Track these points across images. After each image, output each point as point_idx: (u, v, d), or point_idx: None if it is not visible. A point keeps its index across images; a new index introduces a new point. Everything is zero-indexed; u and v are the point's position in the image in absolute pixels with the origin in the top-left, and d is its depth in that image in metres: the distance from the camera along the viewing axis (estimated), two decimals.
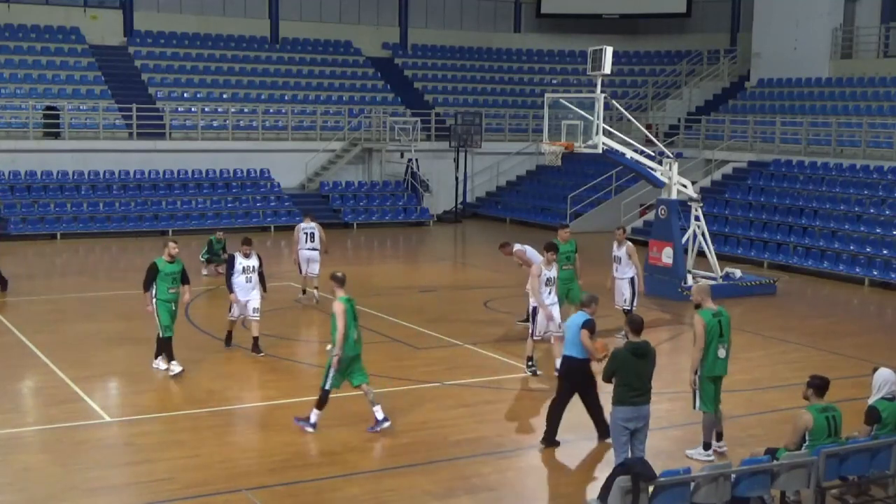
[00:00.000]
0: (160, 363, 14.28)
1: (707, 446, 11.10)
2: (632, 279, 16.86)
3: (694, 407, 11.05)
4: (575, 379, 11.18)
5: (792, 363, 15.52)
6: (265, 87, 35.94)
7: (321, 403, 11.63)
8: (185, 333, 16.86)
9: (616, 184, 32.08)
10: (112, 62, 34.73)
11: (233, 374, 14.33)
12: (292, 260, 19.59)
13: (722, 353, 10.78)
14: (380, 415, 11.68)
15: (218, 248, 22.30)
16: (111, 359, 15.01)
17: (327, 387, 11.49)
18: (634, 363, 9.63)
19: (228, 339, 15.70)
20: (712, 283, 21.09)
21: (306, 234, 19.19)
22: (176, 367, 14.00)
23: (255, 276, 15.12)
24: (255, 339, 15.19)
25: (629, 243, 16.93)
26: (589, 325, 10.93)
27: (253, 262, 15.14)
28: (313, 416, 11.63)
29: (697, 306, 10.96)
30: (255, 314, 15.09)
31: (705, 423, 11.06)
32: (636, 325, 9.98)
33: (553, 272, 14.40)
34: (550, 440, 11.33)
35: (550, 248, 14.54)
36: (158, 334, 14.07)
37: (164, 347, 14.09)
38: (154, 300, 13.97)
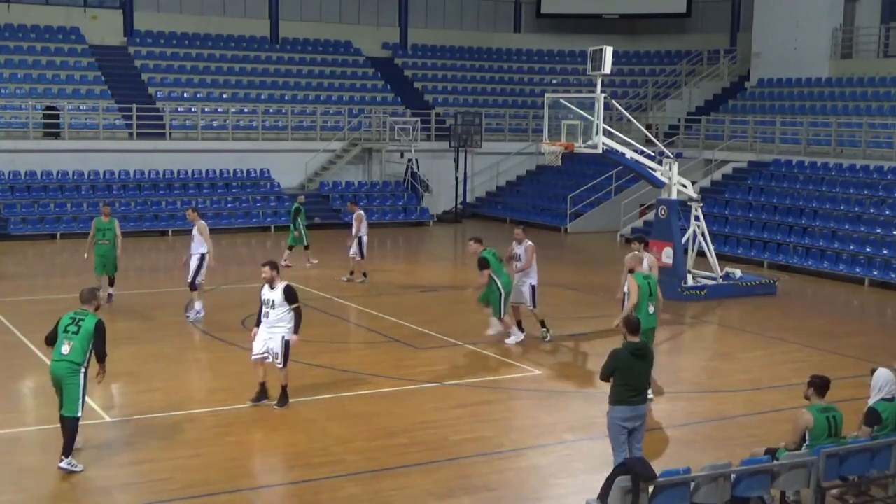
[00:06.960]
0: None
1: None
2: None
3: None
4: None
5: (792, 363, 15.50)
6: (265, 87, 35.93)
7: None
8: (185, 332, 16.89)
9: (616, 184, 32.07)
10: (112, 62, 34.72)
11: (233, 374, 14.30)
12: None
13: (651, 308, 12.70)
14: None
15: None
16: (111, 359, 14.88)
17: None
18: (634, 363, 9.63)
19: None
20: (712, 283, 21.18)
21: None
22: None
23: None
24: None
25: (529, 242, 16.48)
26: None
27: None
28: None
29: (631, 271, 13.00)
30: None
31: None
32: (633, 325, 9.98)
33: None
34: None
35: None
36: None
37: None
38: None
